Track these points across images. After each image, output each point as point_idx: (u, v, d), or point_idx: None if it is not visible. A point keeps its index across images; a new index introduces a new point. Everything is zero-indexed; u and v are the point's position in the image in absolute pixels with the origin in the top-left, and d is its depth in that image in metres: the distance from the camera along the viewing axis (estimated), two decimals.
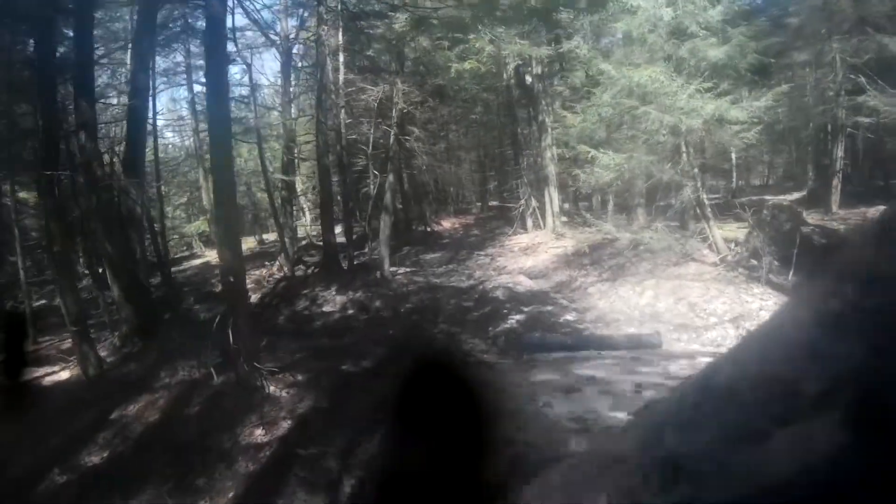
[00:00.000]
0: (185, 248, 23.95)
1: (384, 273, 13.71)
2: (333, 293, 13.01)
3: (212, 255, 17.41)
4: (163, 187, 22.59)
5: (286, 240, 16.48)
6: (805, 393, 0.41)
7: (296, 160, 18.38)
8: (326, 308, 12.38)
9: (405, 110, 14.56)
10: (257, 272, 16.12)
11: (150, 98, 15.00)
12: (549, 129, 15.92)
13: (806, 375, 0.41)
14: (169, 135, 24.32)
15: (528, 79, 16.93)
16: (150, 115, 15.17)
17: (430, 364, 0.95)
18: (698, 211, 9.96)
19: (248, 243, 22.35)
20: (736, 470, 0.44)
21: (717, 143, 10.46)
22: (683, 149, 9.84)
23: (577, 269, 11.73)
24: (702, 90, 9.03)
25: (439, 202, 22.04)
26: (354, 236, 16.80)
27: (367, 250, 15.19)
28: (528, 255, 14.17)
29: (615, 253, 11.20)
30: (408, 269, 14.64)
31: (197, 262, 19.20)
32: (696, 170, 10.14)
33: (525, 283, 11.12)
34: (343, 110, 15.11)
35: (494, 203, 21.98)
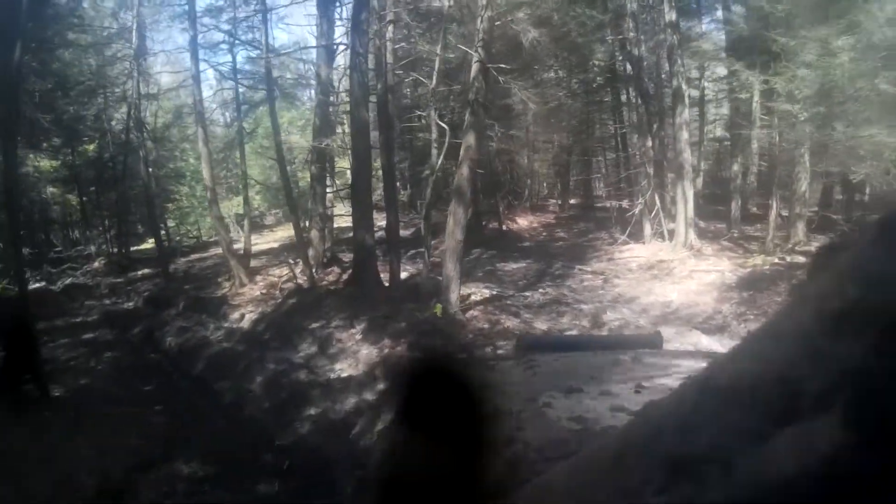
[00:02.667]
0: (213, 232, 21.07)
1: (449, 305, 8.84)
2: (357, 336, 8.83)
3: (251, 241, 15.01)
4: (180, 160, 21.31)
5: (315, 233, 13.03)
6: (805, 393, 0.41)
7: (334, 120, 13.74)
8: (332, 372, 8.25)
9: (498, 21, 9.31)
10: (276, 273, 13.30)
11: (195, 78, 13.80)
12: (686, 99, 11.54)
13: (806, 375, 0.41)
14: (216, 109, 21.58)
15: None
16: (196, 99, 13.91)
17: (430, 365, 0.95)
18: None
19: (281, 231, 19.88)
20: (736, 470, 0.44)
21: None
22: None
23: (750, 309, 7.59)
24: None
25: (511, 195, 17.61)
26: (408, 233, 13.22)
27: (422, 262, 10.42)
28: (661, 280, 9.95)
29: None
30: (483, 291, 10.24)
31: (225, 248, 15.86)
32: None
33: (703, 345, 6.58)
34: (391, 27, 10.44)
35: (574, 201, 18.22)
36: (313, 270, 11.84)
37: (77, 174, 19.31)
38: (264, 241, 18.01)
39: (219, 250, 15.27)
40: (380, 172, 11.85)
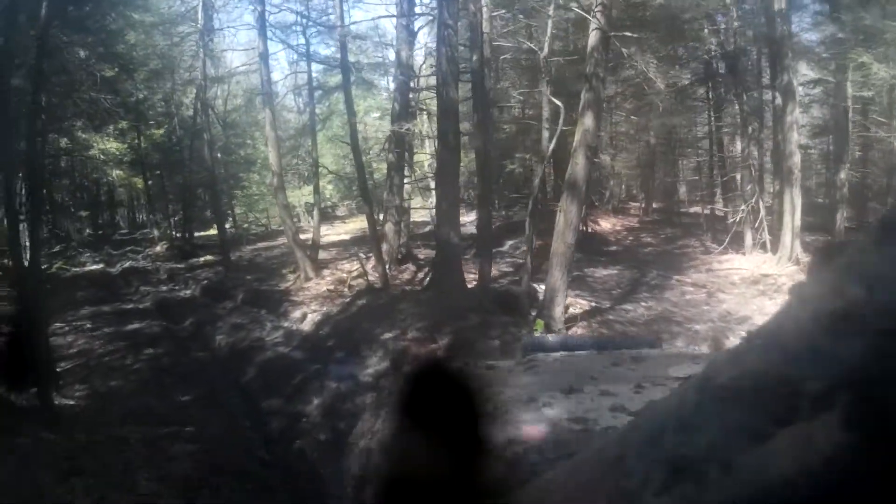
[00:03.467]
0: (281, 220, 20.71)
1: (553, 321, 7.63)
2: (439, 353, 7.54)
3: (320, 232, 13.93)
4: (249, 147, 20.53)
5: (390, 227, 11.95)
6: (806, 393, 0.41)
7: (414, 106, 12.69)
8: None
9: None
10: (345, 268, 12.23)
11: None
12: (797, 96, 10.18)
13: (806, 375, 0.41)
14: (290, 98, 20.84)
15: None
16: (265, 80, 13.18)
17: (430, 367, 0.95)
18: None
19: (353, 223, 18.67)
20: (737, 470, 0.44)
21: None
22: None
23: None
24: None
25: (594, 195, 15.66)
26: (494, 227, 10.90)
27: (524, 271, 8.86)
28: (770, 298, 8.77)
29: None
30: (580, 302, 8.73)
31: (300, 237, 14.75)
32: None
33: None
34: None
35: (655, 205, 16.93)
36: (387, 268, 10.53)
37: (143, 157, 18.94)
38: (334, 233, 16.80)
39: (286, 240, 14.02)
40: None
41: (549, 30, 9.35)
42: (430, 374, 0.87)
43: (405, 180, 13.11)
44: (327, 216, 18.59)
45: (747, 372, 0.47)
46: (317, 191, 15.24)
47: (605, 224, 15.13)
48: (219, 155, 17.20)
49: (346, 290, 10.86)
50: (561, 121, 8.67)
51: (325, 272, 12.48)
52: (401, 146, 12.17)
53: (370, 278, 10.68)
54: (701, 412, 0.49)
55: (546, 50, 9.31)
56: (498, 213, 12.22)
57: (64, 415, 6.40)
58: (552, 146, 9.07)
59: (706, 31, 12.25)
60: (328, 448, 6.31)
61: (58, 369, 7.75)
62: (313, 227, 14.41)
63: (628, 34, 8.48)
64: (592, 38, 7.84)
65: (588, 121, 7.78)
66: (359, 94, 17.39)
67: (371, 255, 11.16)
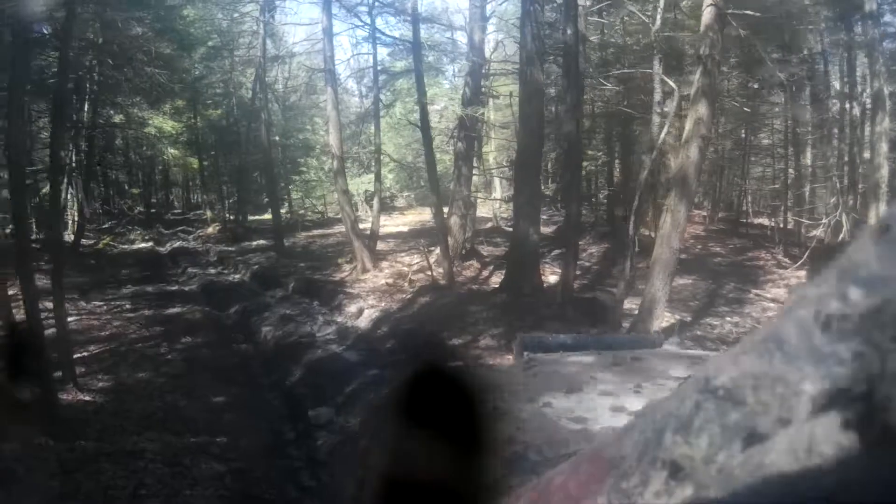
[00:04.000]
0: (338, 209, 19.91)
1: (648, 335, 6.60)
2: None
3: (380, 222, 13.45)
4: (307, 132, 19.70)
5: (455, 220, 11.26)
6: (806, 393, 0.41)
7: (486, 91, 12.10)
8: None
9: None
10: (405, 261, 11.54)
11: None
12: (886, 105, 9.52)
13: (806, 375, 0.41)
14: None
15: None
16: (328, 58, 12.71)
17: (429, 367, 0.95)
18: None
19: (411, 215, 18.50)
20: (737, 471, 0.44)
21: None
22: None
23: None
24: None
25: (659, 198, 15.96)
26: (548, 230, 11.06)
27: (622, 279, 7.93)
28: None
29: None
30: (664, 314, 7.59)
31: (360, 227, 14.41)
32: None
33: None
34: None
35: (721, 214, 16.23)
36: (452, 264, 9.81)
37: (199, 137, 18.55)
38: (392, 224, 16.34)
39: (343, 228, 13.45)
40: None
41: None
42: (430, 373, 0.87)
43: (474, 171, 12.00)
44: (385, 207, 18.05)
45: (747, 372, 0.47)
46: (378, 178, 14.60)
47: None
48: (276, 138, 16.74)
49: (406, 284, 10.14)
50: (675, 104, 7.85)
51: (384, 264, 11.92)
52: (469, 137, 11.21)
53: (433, 273, 9.98)
54: (701, 412, 0.49)
55: (658, 23, 8.43)
56: (559, 209, 11.07)
57: (72, 414, 5.56)
58: (663, 135, 8.28)
59: (805, 27, 11.25)
60: None
61: (80, 355, 7.12)
62: (373, 216, 13.76)
63: (749, 12, 7.64)
64: (707, 14, 7.12)
65: (702, 109, 7.14)
66: (431, 79, 17.02)
67: (433, 248, 10.37)
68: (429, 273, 10.19)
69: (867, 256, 0.42)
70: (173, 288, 12.00)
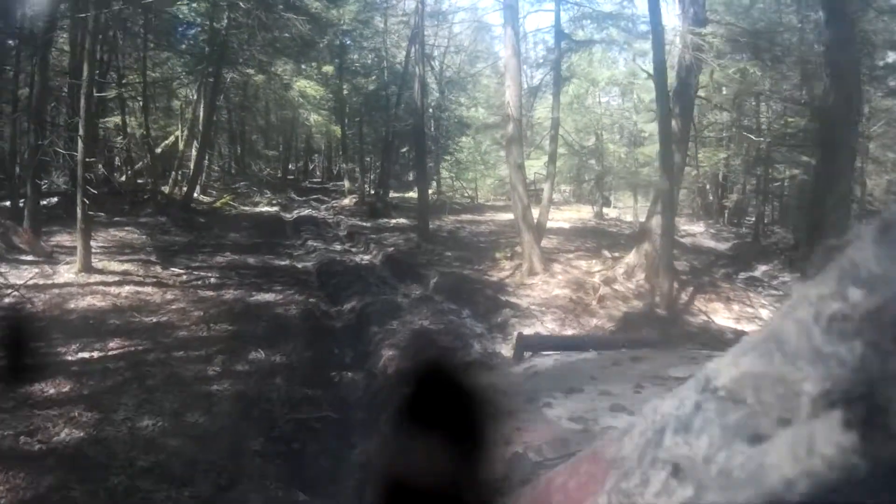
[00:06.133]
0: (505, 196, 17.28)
1: None
2: None
3: (547, 214, 11.41)
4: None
5: (655, 222, 8.32)
6: (806, 394, 0.41)
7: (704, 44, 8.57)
8: None
9: None
10: (580, 265, 9.28)
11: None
12: None
13: (807, 376, 0.41)
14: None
15: None
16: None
17: (429, 366, 0.95)
18: None
19: (568, 210, 15.98)
20: (737, 471, 0.44)
21: None
22: None
23: None
24: None
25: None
26: (724, 246, 8.85)
27: None
28: None
29: None
30: None
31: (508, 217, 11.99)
32: None
33: None
34: None
35: None
36: (673, 286, 7.10)
37: (343, 104, 17.14)
38: (551, 219, 13.29)
39: (498, 217, 11.22)
40: None
41: None
42: (430, 374, 0.87)
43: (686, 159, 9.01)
44: (539, 198, 17.04)
45: (747, 372, 0.47)
46: (553, 160, 11.92)
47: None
48: (430, 110, 14.70)
49: (594, 302, 7.50)
50: None
51: (556, 267, 9.33)
52: (687, 112, 8.14)
53: (621, 289, 7.57)
54: (701, 412, 0.49)
55: None
56: (732, 227, 8.98)
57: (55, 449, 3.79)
58: None
59: None
60: None
61: (68, 358, 5.15)
62: (542, 205, 11.26)
63: None
64: None
65: None
66: (606, 58, 14.92)
67: (616, 253, 8.13)
68: (615, 287, 7.55)
69: (867, 256, 0.42)
70: (282, 262, 9.57)
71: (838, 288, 0.42)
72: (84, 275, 7.85)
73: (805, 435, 0.41)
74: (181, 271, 8.77)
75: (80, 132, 8.18)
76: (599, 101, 16.02)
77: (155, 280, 8.05)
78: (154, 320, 6.71)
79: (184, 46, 15.12)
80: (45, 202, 10.32)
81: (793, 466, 0.41)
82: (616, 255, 8.38)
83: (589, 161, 15.60)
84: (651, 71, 9.08)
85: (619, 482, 0.57)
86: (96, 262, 8.34)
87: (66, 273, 7.91)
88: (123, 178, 13.44)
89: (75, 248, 8.20)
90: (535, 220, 10.35)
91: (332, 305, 7.70)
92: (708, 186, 15.79)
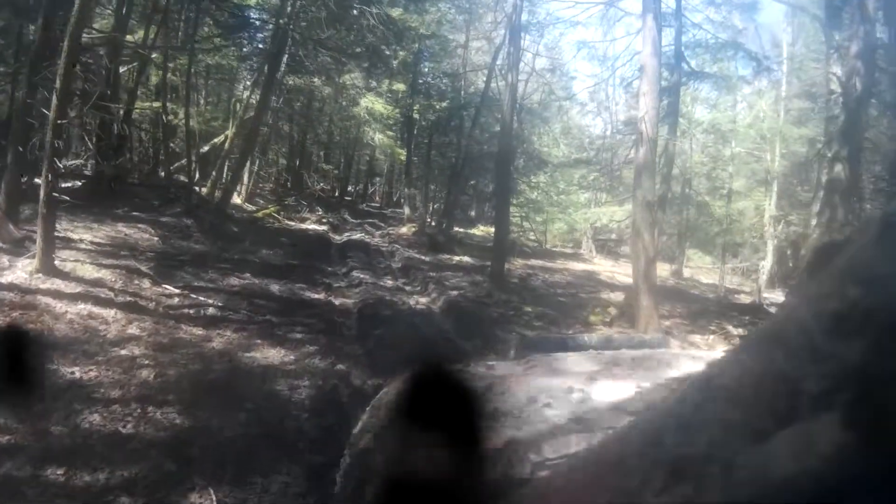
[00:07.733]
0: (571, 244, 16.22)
1: None
2: None
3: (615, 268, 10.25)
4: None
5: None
6: (806, 393, 0.41)
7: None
8: None
9: None
10: (693, 339, 7.38)
11: None
12: None
13: (807, 375, 0.41)
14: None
15: None
16: None
17: (430, 368, 0.95)
18: None
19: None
20: (737, 470, 0.44)
21: None
22: None
23: None
24: None
25: None
26: None
27: None
28: None
29: None
30: None
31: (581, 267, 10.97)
32: None
33: None
34: None
35: None
36: None
37: (410, 125, 15.60)
38: (622, 272, 11.21)
39: (570, 266, 9.65)
40: None
41: None
42: (430, 375, 0.87)
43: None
44: (604, 248, 14.47)
45: (747, 372, 0.47)
46: (662, 205, 9.84)
47: None
48: (511, 142, 11.93)
49: None
50: None
51: (672, 342, 7.29)
52: (855, 156, 6.55)
53: None
54: (701, 412, 0.49)
55: None
56: None
57: None
58: None
59: None
60: None
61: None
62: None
63: None
64: None
65: None
66: (705, 98, 13.33)
67: (739, 330, 6.56)
68: None
69: (867, 256, 0.42)
70: (315, 295, 7.73)
71: (838, 287, 0.42)
72: (39, 277, 6.02)
73: (805, 434, 0.41)
74: (175, 291, 6.65)
75: (57, 84, 5.67)
76: (692, 146, 13.82)
77: (129, 300, 6.07)
78: (70, 374, 4.39)
79: (242, 35, 13.22)
80: (67, 183, 8.16)
81: (793, 465, 0.41)
82: (740, 331, 6.70)
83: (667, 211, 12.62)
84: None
85: (620, 482, 0.57)
86: (66, 263, 6.42)
87: (19, 271, 6.08)
88: (163, 173, 12.19)
89: (55, 239, 6.24)
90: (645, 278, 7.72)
91: (369, 375, 5.10)
92: None
